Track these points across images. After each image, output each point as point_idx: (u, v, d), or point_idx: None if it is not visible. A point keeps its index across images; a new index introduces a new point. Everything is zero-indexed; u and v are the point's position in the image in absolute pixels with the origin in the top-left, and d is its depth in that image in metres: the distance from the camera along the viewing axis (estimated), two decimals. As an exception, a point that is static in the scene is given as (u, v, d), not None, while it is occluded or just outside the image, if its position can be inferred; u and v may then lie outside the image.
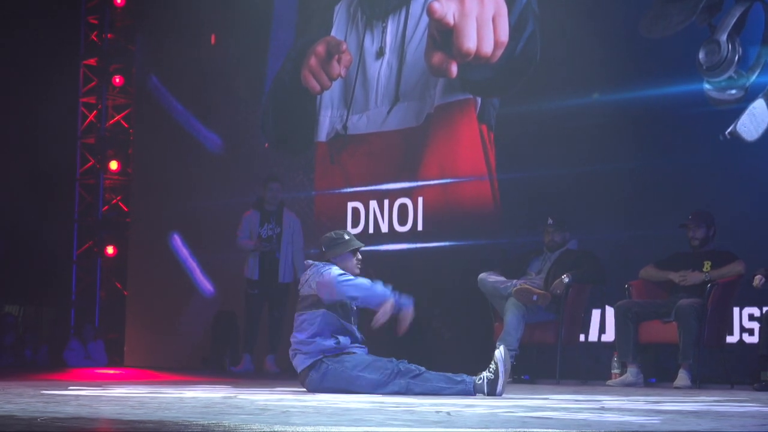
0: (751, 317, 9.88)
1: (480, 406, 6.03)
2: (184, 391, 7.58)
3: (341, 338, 7.54)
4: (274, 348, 12.31)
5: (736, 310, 9.87)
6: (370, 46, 12.90)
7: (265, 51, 14.01)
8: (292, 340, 7.70)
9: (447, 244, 12.07)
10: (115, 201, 16.08)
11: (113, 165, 16.01)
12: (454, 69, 11.94)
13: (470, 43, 11.72)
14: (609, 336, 10.40)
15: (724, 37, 10.06)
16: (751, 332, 9.86)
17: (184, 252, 14.63)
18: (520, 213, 11.56)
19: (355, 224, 12.68)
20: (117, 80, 16.16)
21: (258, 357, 12.51)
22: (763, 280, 9.06)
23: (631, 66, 10.93)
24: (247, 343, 12.59)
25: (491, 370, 7.20)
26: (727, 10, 10.16)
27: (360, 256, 7.76)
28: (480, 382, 7.19)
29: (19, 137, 15.82)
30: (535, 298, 10.05)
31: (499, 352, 7.28)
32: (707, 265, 9.56)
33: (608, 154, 10.97)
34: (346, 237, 7.73)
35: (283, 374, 11.31)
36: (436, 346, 11.71)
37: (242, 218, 12.62)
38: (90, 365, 14.66)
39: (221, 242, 13.67)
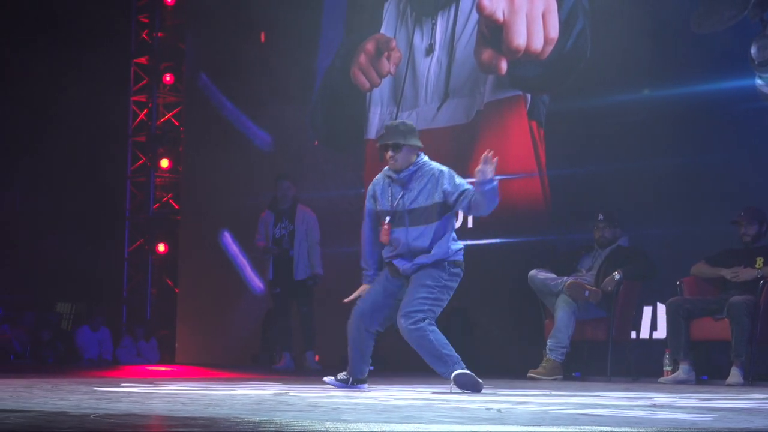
0: (805, 314, 9.78)
1: (531, 403, 6.03)
2: (235, 388, 7.61)
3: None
4: (311, 344, 12.27)
5: (789, 306, 9.77)
6: (420, 43, 12.89)
7: (314, 48, 14.04)
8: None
9: (497, 241, 12.03)
10: (165, 198, 16.17)
11: (164, 163, 16.10)
12: (503, 66, 11.92)
13: (520, 39, 11.70)
14: (660, 333, 10.34)
15: (776, 32, 9.99)
16: (804, 329, 9.76)
17: (234, 249, 14.68)
18: (570, 209, 11.52)
19: (404, 221, 12.64)
20: (167, 78, 16.24)
21: (296, 354, 12.48)
22: (817, 276, 8.99)
23: (682, 62, 10.85)
24: (284, 342, 12.54)
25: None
26: (779, 5, 10.09)
27: None
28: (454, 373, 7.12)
29: (71, 136, 15.94)
30: (587, 293, 10.02)
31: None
32: (759, 261, 9.49)
33: (659, 150, 10.90)
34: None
35: (326, 371, 11.31)
36: (485, 343, 11.68)
37: (258, 220, 12.60)
38: (141, 362, 14.76)
39: (271, 240, 13.71)
